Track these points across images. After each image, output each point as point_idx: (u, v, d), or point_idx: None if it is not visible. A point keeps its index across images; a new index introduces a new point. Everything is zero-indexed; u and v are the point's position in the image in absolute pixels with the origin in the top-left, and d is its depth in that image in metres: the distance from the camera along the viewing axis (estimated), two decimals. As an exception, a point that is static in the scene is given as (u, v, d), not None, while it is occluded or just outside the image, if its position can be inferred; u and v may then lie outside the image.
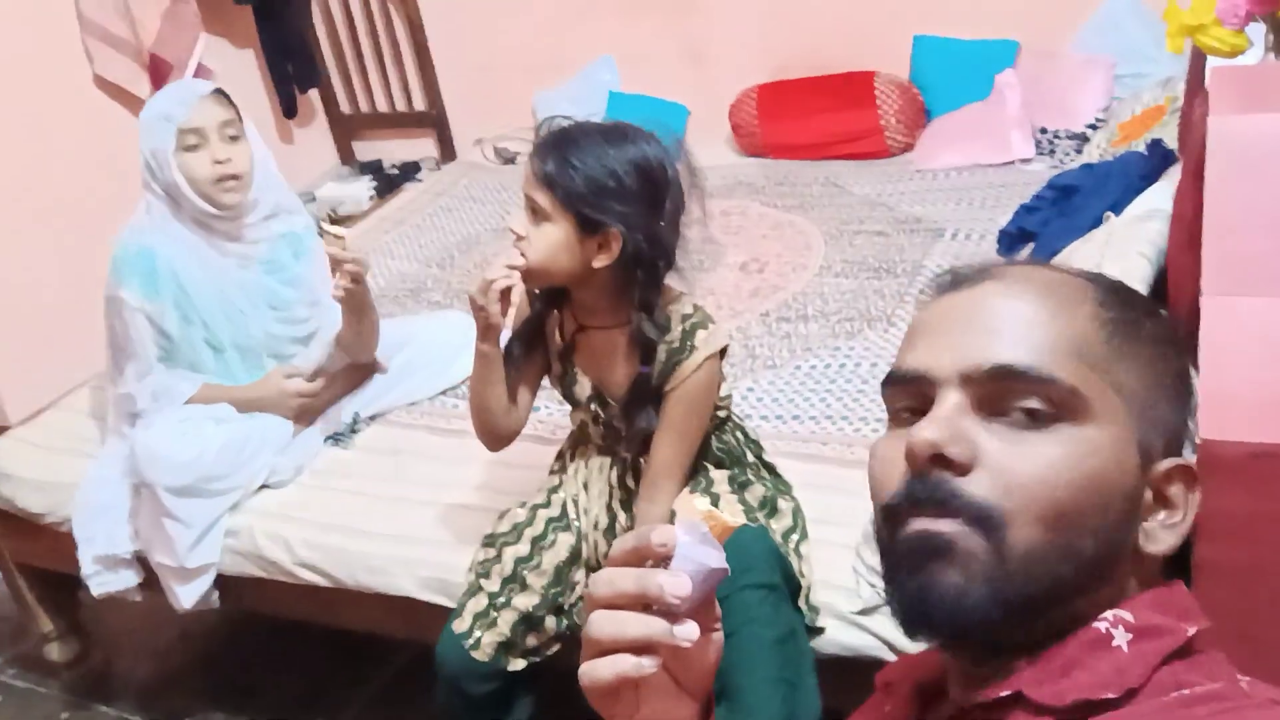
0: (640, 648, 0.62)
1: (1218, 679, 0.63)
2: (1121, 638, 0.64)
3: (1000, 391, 0.66)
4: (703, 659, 0.67)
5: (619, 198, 1.38)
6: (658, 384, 1.49)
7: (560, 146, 1.41)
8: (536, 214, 1.43)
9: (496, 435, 1.63)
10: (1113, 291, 0.71)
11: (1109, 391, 0.66)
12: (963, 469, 0.64)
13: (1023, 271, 0.72)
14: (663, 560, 0.63)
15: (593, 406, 1.59)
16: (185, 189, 1.93)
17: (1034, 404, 0.65)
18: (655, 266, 1.44)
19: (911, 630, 0.67)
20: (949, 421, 0.65)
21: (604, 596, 0.64)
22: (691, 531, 0.63)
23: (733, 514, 0.66)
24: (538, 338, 1.60)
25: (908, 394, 0.70)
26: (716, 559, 0.63)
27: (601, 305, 1.50)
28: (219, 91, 1.98)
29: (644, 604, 0.62)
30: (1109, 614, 0.65)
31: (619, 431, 1.59)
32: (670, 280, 1.50)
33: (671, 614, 0.62)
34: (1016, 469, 0.64)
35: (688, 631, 0.62)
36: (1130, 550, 0.67)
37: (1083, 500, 0.64)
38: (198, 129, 1.92)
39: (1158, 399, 0.69)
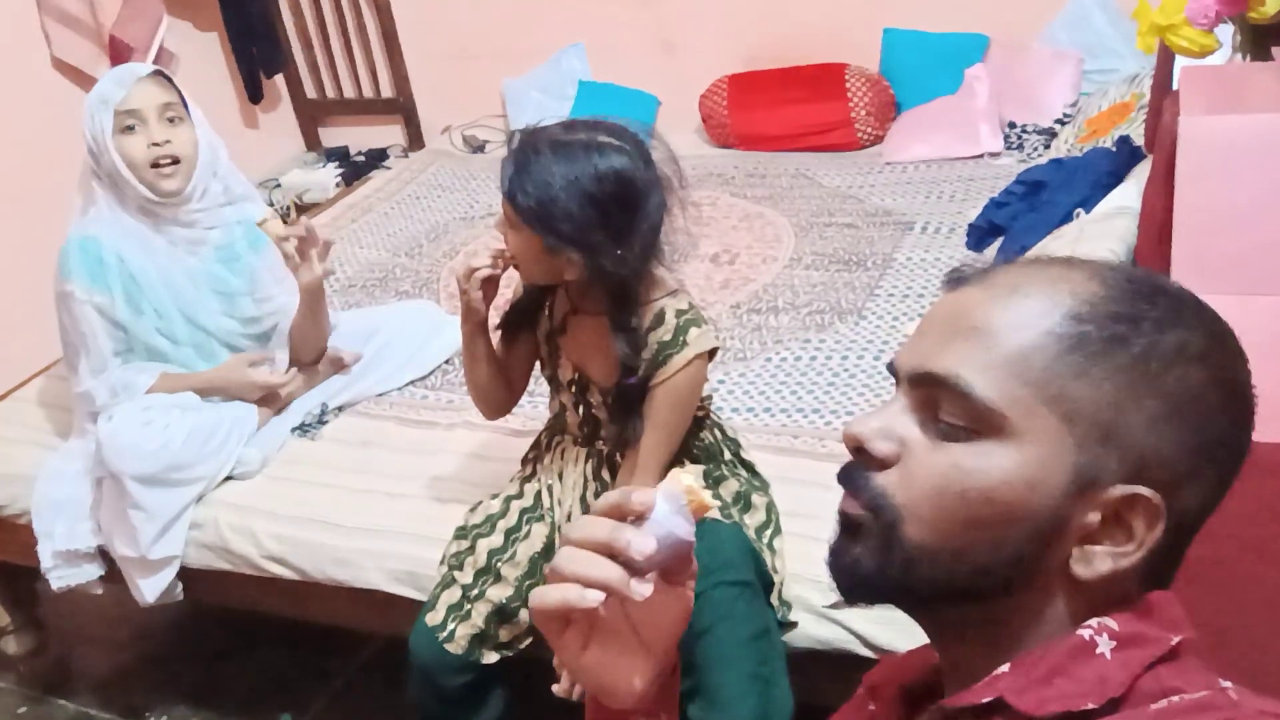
0: (597, 589, 0.68)
1: (1201, 685, 0.62)
2: (1105, 645, 0.64)
3: (929, 398, 0.68)
4: (666, 613, 0.73)
5: (569, 224, 1.37)
6: (645, 376, 1.48)
7: (516, 164, 1.39)
8: (509, 221, 1.44)
9: (490, 405, 1.67)
10: (1115, 301, 0.65)
11: (1043, 410, 0.64)
12: (881, 465, 0.68)
13: (1007, 277, 0.69)
14: (638, 519, 0.69)
15: (573, 389, 1.58)
16: (124, 172, 1.89)
17: (953, 414, 0.66)
18: (622, 287, 1.43)
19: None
20: (881, 418, 0.69)
21: (576, 539, 0.69)
22: (671, 500, 0.69)
23: (712, 497, 0.71)
24: (531, 315, 1.60)
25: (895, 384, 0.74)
26: (686, 531, 0.69)
27: (591, 294, 1.50)
28: (159, 73, 1.93)
29: (610, 553, 0.68)
30: (1094, 621, 0.65)
31: (598, 421, 1.58)
32: (663, 273, 1.49)
33: (633, 570, 0.68)
34: (918, 473, 0.67)
35: (642, 588, 0.68)
36: (1058, 566, 0.66)
37: (971, 512, 0.65)
38: (135, 110, 1.88)
39: (1124, 420, 0.64)
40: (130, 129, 1.89)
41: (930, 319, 0.71)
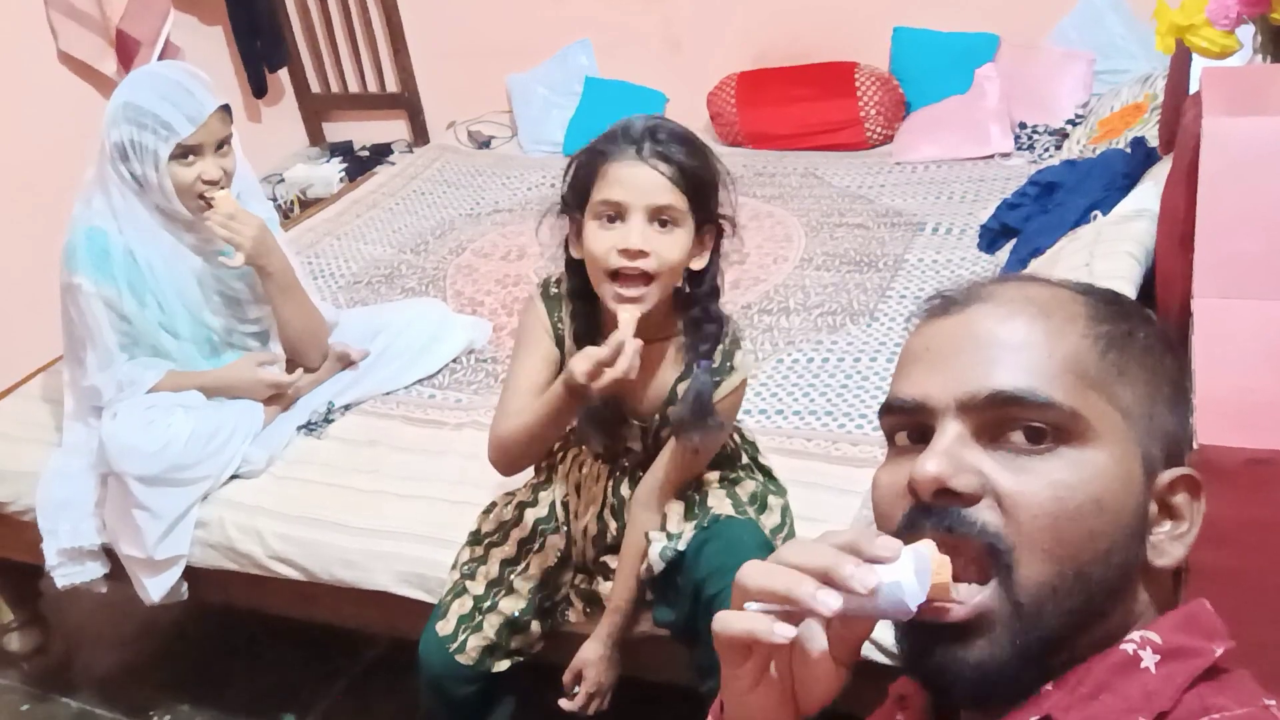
0: (780, 605, 0.62)
1: (1245, 702, 0.62)
2: (1149, 659, 0.63)
3: (999, 418, 0.65)
4: (821, 683, 0.67)
5: (716, 192, 1.34)
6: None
7: (664, 140, 1.29)
8: (667, 222, 1.29)
9: (525, 463, 1.51)
10: (1105, 303, 0.70)
11: (1109, 409, 0.66)
12: (969, 500, 0.64)
13: (1012, 291, 0.70)
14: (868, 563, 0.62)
15: (607, 424, 1.49)
16: (171, 194, 1.88)
17: (1035, 428, 0.64)
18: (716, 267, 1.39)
19: (933, 695, 0.68)
20: (951, 453, 0.65)
21: (788, 559, 0.63)
22: (919, 563, 0.61)
23: (956, 592, 0.62)
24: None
25: (906, 423, 0.70)
26: (914, 597, 0.61)
27: (655, 318, 1.36)
28: (225, 107, 1.91)
29: (824, 580, 0.61)
30: (1135, 635, 0.65)
31: (625, 447, 1.52)
32: None
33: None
34: (1022, 501, 0.63)
35: (829, 598, 0.60)
36: (1140, 565, 0.67)
37: (1089, 525, 0.63)
38: (197, 145, 1.86)
39: (1156, 409, 0.68)
40: (187, 159, 1.87)
41: (943, 345, 0.69)
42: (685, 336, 1.40)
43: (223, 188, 1.91)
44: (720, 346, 1.41)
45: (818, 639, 0.63)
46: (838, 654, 0.65)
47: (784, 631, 0.62)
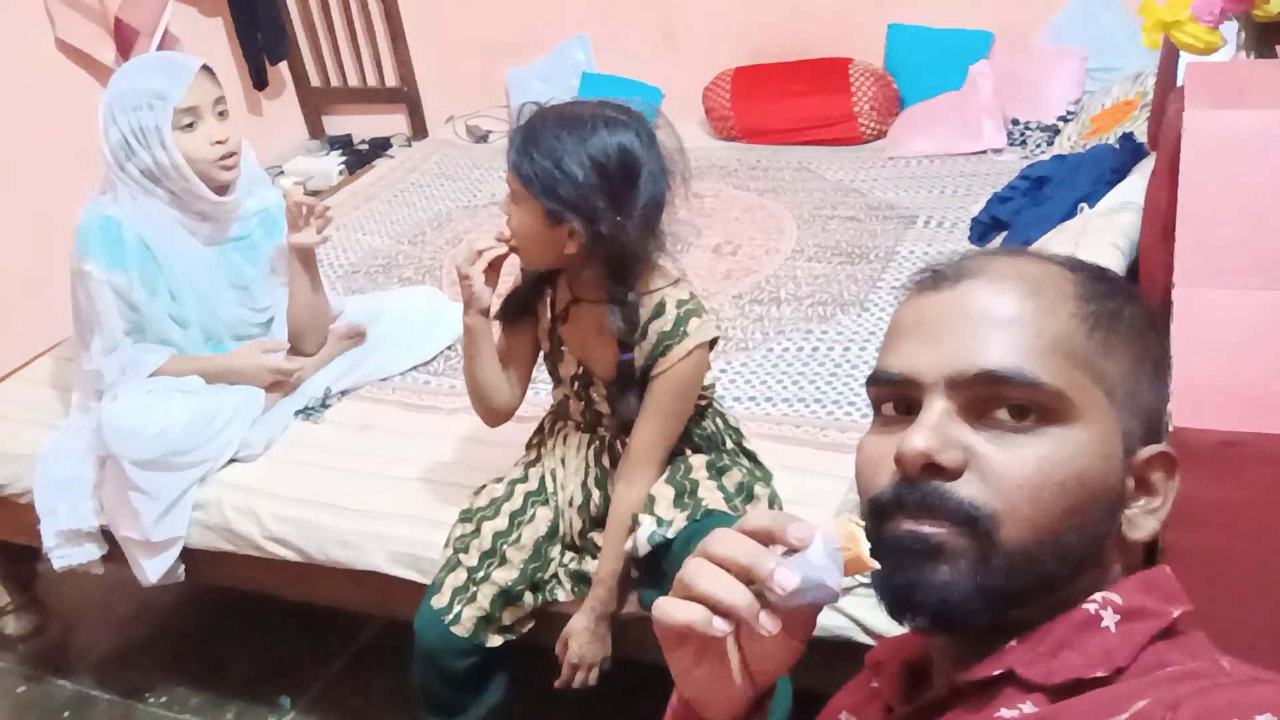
0: (722, 611, 0.62)
1: (1199, 658, 0.64)
2: (1110, 619, 0.66)
3: (986, 395, 0.66)
4: (776, 655, 0.68)
5: (574, 192, 1.38)
6: (646, 366, 1.48)
7: (524, 135, 1.41)
8: (513, 195, 1.44)
9: (493, 410, 1.63)
10: (1094, 281, 0.71)
11: (1093, 388, 0.67)
12: (953, 475, 0.65)
13: (1002, 267, 0.71)
14: (788, 551, 0.63)
15: (575, 385, 1.58)
16: (185, 170, 1.89)
17: (1021, 407, 0.66)
18: (620, 259, 1.43)
19: (898, 617, 0.68)
20: (938, 428, 0.66)
21: (716, 553, 0.63)
22: (828, 544, 0.63)
23: (871, 559, 0.63)
24: (529, 310, 1.59)
25: (892, 395, 0.71)
26: (835, 580, 0.63)
27: (593, 280, 1.49)
28: (207, 68, 1.93)
29: (747, 578, 0.62)
30: (1098, 596, 0.67)
31: (599, 411, 1.58)
32: (665, 263, 1.50)
33: (764, 601, 0.62)
34: (1006, 473, 0.65)
35: (771, 623, 0.63)
36: (1114, 536, 0.69)
37: (1070, 500, 0.65)
38: (193, 108, 1.88)
39: (1138, 387, 0.70)
40: (189, 126, 1.88)
41: (933, 320, 0.69)
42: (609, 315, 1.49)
43: (234, 150, 1.93)
44: (676, 313, 1.47)
45: (769, 624, 0.63)
46: (791, 630, 0.66)
47: (722, 626, 0.62)
